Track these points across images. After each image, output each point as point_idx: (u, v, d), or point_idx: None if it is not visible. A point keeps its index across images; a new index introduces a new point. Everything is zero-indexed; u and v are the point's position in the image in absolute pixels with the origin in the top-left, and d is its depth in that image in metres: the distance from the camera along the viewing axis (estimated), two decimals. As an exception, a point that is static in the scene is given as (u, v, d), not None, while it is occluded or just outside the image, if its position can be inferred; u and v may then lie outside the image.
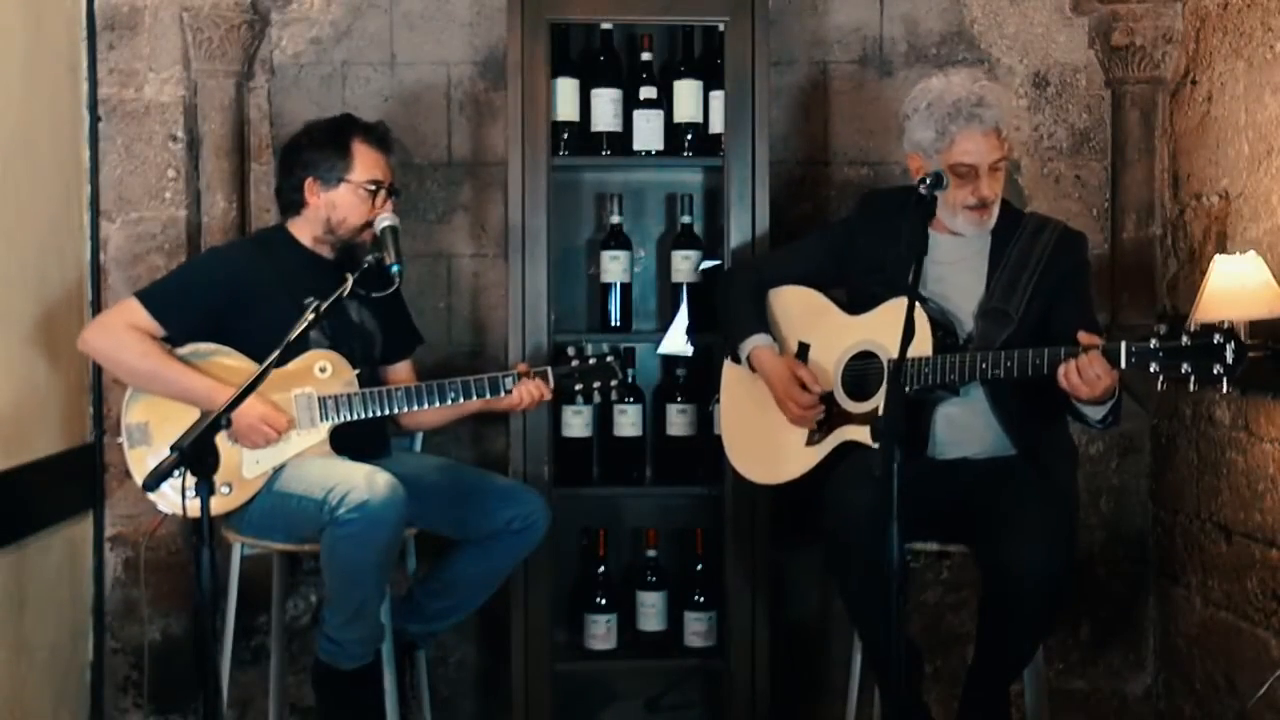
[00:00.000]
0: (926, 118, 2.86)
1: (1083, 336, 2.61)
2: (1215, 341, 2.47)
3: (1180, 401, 3.49)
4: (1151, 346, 2.53)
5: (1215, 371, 2.47)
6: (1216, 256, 3.01)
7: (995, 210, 2.91)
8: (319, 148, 3.07)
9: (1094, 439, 3.68)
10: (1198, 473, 3.42)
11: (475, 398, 3.01)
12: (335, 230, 3.06)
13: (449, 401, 3.01)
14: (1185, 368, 2.49)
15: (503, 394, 3.02)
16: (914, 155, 2.93)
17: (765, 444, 3.08)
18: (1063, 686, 3.69)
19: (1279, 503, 3.04)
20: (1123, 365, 2.56)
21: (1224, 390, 2.51)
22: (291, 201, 3.10)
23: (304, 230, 3.10)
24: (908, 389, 2.77)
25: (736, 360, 3.11)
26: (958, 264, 2.91)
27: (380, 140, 3.11)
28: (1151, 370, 2.52)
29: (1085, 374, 2.59)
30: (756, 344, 3.05)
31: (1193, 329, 2.51)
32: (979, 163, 2.84)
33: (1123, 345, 2.56)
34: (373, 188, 3.06)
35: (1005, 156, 2.89)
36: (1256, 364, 2.91)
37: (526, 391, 3.02)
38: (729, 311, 3.14)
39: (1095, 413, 2.74)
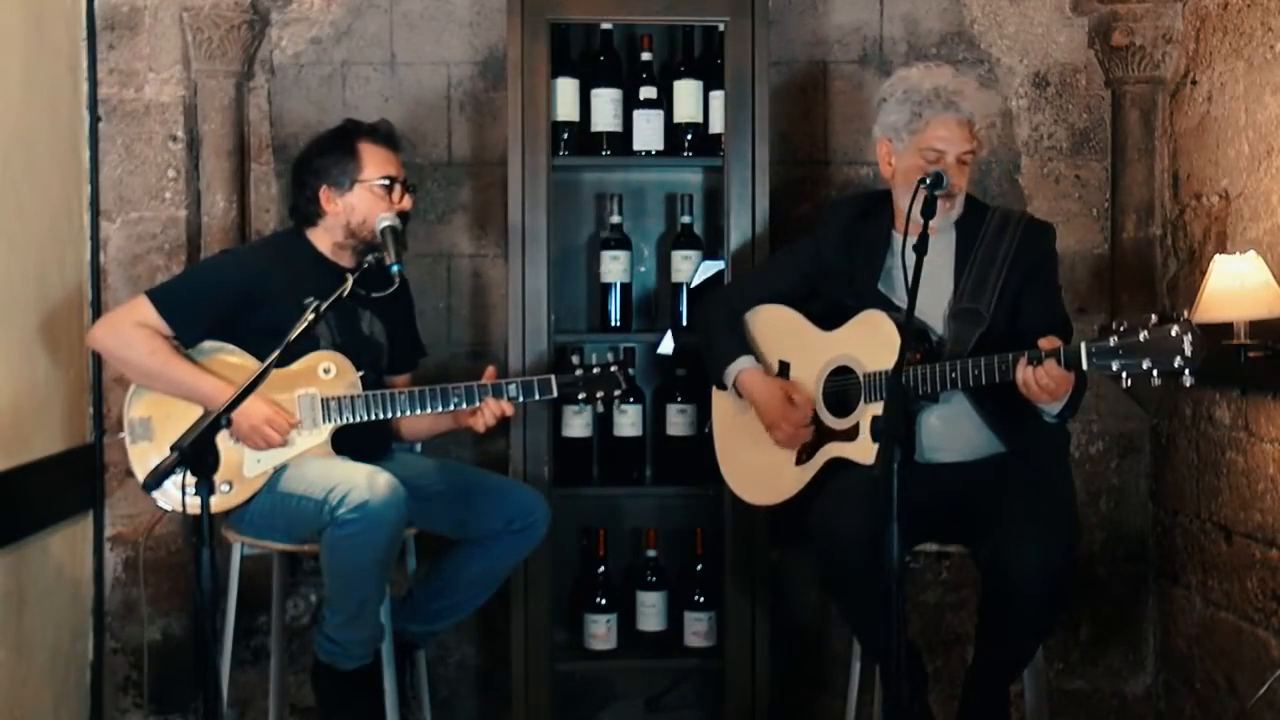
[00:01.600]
0: (903, 100, 2.88)
1: (1043, 342, 2.61)
2: (1173, 334, 2.45)
3: (1180, 401, 3.49)
4: (1111, 345, 2.51)
5: (1176, 365, 2.45)
6: (1216, 256, 3.01)
7: (959, 203, 2.91)
8: (326, 155, 3.06)
9: (1094, 439, 3.69)
10: (1198, 473, 3.42)
11: (479, 402, 3.00)
12: (357, 233, 3.05)
13: (451, 406, 3.00)
14: (1146, 363, 2.47)
15: (505, 399, 3.01)
16: (884, 140, 2.94)
17: (757, 467, 3.09)
18: (1063, 686, 3.70)
19: (1279, 503, 3.04)
20: (1084, 367, 2.55)
21: (1187, 384, 2.48)
22: (309, 213, 3.08)
23: (324, 239, 3.09)
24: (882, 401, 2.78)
25: (722, 387, 3.11)
26: (924, 265, 2.90)
27: (385, 137, 3.10)
28: (1114, 369, 2.51)
29: (1041, 381, 2.59)
30: (742, 367, 3.06)
31: (1150, 323, 2.49)
32: (949, 150, 2.85)
33: (1083, 346, 2.55)
34: (386, 183, 3.05)
35: (974, 151, 2.90)
36: (1256, 364, 2.92)
37: (489, 410, 3.00)
38: (709, 341, 3.14)
39: (1051, 408, 2.73)
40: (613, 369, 3.09)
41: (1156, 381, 2.49)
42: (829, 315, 3.01)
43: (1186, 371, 2.45)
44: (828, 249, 3.05)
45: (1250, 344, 2.92)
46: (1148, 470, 3.70)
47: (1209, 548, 3.36)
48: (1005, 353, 2.65)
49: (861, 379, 2.89)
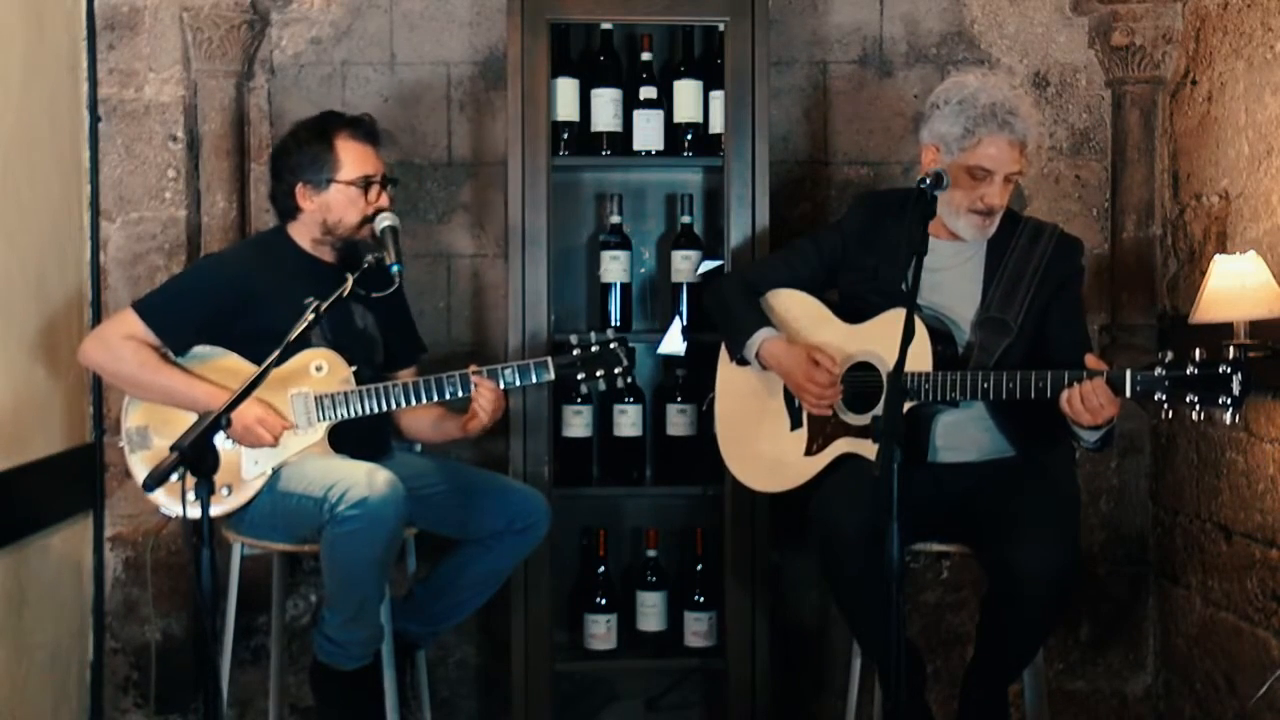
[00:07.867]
0: (957, 112, 2.82)
1: (1090, 361, 2.60)
2: (1222, 372, 2.47)
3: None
4: (1156, 375, 2.52)
5: (1221, 402, 2.47)
6: (1216, 256, 3.01)
7: (998, 220, 2.89)
8: (303, 150, 3.01)
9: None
10: (1198, 473, 3.42)
11: (473, 389, 2.98)
12: (333, 231, 3.03)
13: (446, 396, 2.97)
14: (1190, 397, 2.49)
15: (500, 384, 2.98)
16: (931, 147, 2.89)
17: (764, 452, 3.06)
18: (1063, 686, 3.70)
19: (1279, 503, 3.04)
20: (1127, 394, 2.56)
21: (1229, 421, 2.50)
22: (286, 207, 3.06)
23: (303, 234, 3.08)
24: (907, 402, 2.76)
25: (743, 362, 3.04)
26: (954, 270, 2.90)
27: (365, 132, 3.05)
28: (1156, 399, 2.53)
29: (1089, 402, 2.58)
30: (766, 336, 2.98)
31: (1199, 358, 2.50)
32: (997, 170, 2.82)
33: (1128, 373, 2.56)
34: (363, 184, 3.02)
35: (1022, 171, 2.86)
36: (1256, 364, 2.92)
37: (484, 395, 2.95)
38: (727, 314, 3.08)
39: (1090, 435, 2.73)
40: (612, 345, 3.01)
41: (1199, 416, 2.52)
42: (850, 309, 2.98)
43: (1231, 410, 2.48)
44: (851, 242, 3.02)
45: (1250, 344, 2.92)
46: (1148, 470, 3.70)
47: (1209, 548, 3.36)
48: (1044, 370, 2.64)
49: (884, 378, 2.87)
